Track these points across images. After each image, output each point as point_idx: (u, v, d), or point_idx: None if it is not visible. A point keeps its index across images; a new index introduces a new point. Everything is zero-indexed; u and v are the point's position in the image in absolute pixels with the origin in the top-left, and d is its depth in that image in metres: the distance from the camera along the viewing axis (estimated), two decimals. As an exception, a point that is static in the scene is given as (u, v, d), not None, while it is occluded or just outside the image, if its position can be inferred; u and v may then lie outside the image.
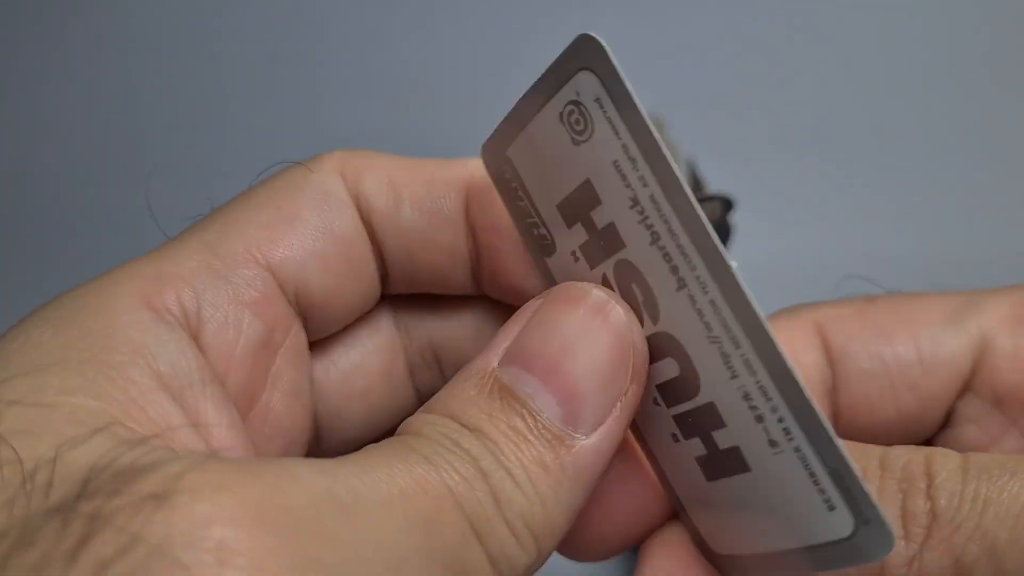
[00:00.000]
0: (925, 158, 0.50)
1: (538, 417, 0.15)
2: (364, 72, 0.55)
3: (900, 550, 0.16)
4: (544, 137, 0.17)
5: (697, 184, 0.44)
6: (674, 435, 0.17)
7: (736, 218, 0.41)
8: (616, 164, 0.16)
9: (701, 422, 0.16)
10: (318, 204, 0.18)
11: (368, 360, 0.20)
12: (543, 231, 0.18)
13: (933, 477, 0.16)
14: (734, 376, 0.15)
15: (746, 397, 0.15)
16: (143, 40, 0.55)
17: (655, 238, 0.16)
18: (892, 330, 0.20)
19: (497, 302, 0.20)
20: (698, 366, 0.16)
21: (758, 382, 0.15)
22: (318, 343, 0.20)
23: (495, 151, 0.19)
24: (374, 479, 0.13)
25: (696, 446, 0.17)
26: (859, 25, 0.56)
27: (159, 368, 0.15)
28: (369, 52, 0.55)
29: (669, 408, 0.17)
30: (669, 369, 0.16)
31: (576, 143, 0.17)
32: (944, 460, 0.16)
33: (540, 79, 0.18)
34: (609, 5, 0.54)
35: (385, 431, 0.21)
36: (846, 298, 0.21)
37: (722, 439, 0.16)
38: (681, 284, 0.16)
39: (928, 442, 0.21)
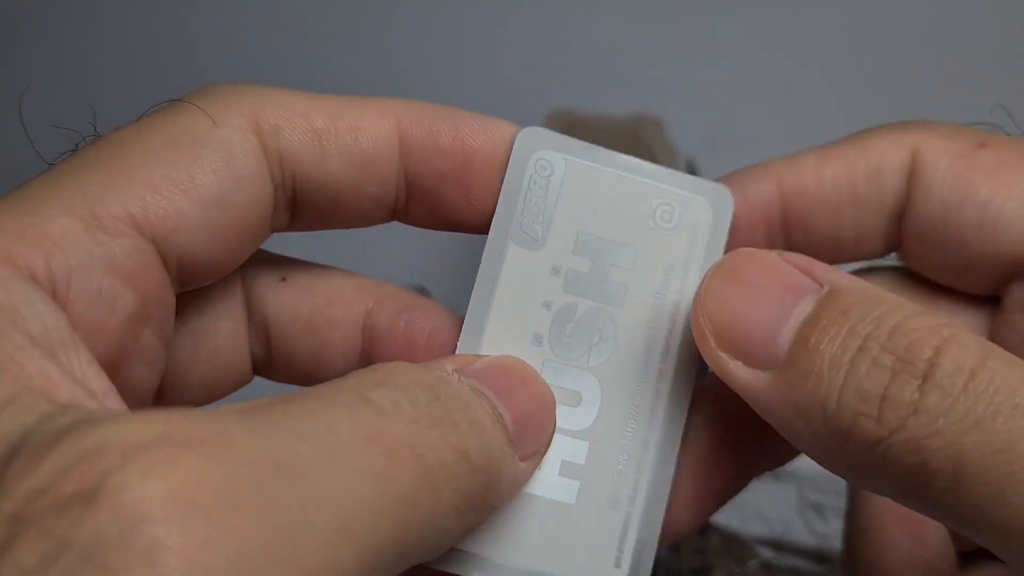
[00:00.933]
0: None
1: (500, 415, 0.16)
2: (365, 71, 0.55)
3: (869, 429, 0.15)
4: (618, 191, 0.20)
5: (697, 184, 0.44)
6: None
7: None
8: (668, 263, 0.19)
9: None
10: (218, 169, 0.17)
11: (221, 324, 0.20)
12: (539, 229, 0.19)
13: (934, 370, 0.15)
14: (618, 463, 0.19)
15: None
16: (144, 39, 0.55)
17: (649, 343, 0.19)
18: (982, 179, 0.19)
19: (336, 303, 0.20)
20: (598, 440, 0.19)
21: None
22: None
23: (539, 144, 0.19)
24: (314, 437, 0.13)
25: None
26: (860, 25, 0.56)
27: (29, 328, 0.14)
28: (369, 51, 0.54)
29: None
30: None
31: (648, 225, 0.19)
32: (958, 354, 0.15)
33: (663, 170, 0.20)
34: (609, 5, 0.54)
35: (223, 392, 0.20)
36: (959, 132, 0.21)
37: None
38: (637, 389, 0.19)
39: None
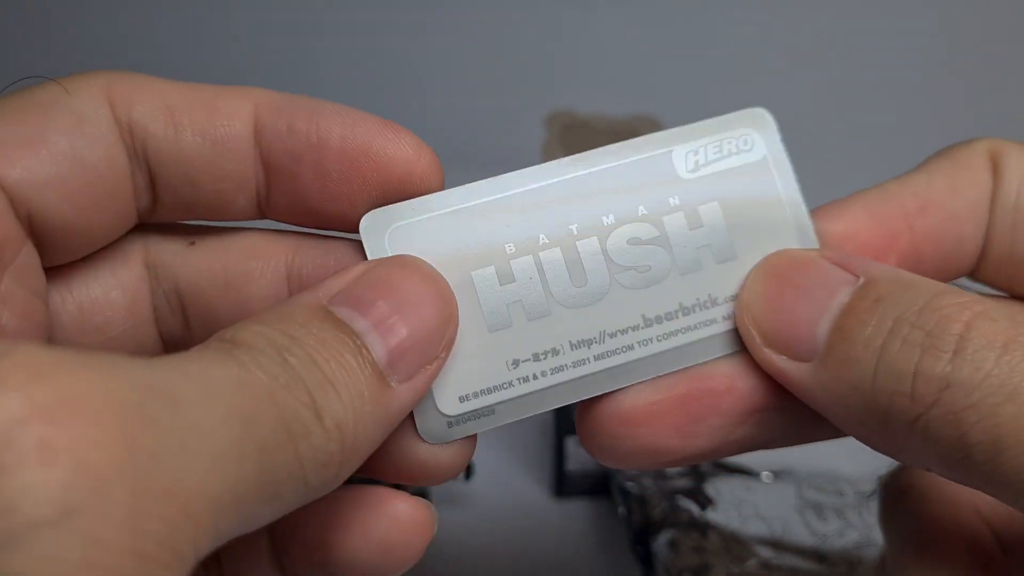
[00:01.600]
0: (925, 158, 0.50)
1: (366, 351, 0.16)
2: (365, 71, 0.55)
3: (905, 406, 0.15)
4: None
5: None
6: None
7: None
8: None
9: None
10: (69, 129, 0.17)
11: (110, 295, 0.19)
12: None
13: (965, 344, 0.15)
14: None
15: None
16: (143, 40, 0.55)
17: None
18: None
19: (251, 257, 0.20)
20: None
21: None
22: (58, 269, 0.19)
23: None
24: (191, 375, 0.13)
25: None
26: (859, 24, 0.56)
27: None
28: (369, 51, 0.54)
29: None
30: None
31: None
32: (989, 328, 0.15)
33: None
34: (609, 5, 0.54)
35: None
36: None
37: None
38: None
39: None
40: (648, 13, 0.54)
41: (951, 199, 0.20)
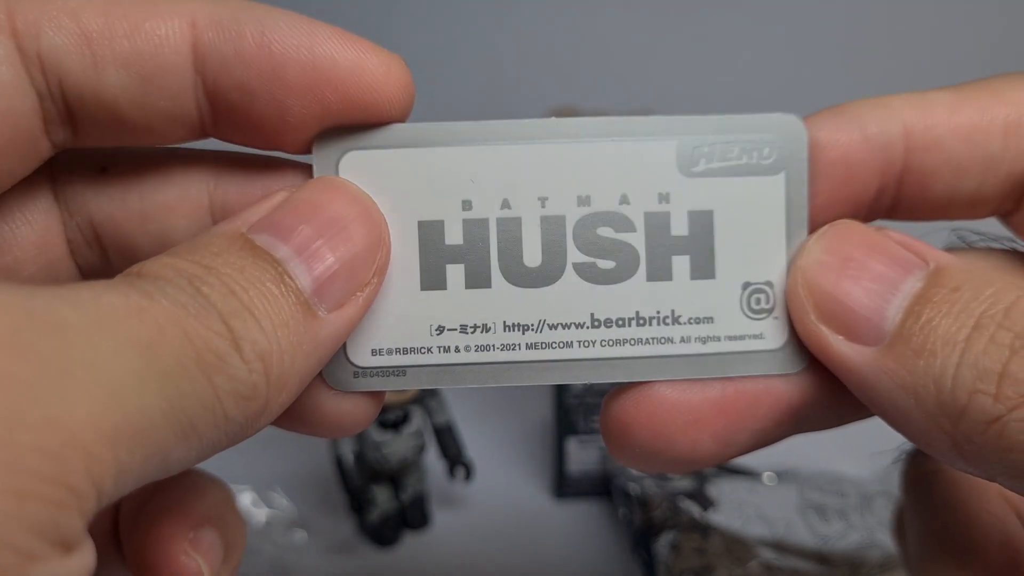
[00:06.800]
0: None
1: (289, 279, 0.15)
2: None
3: (986, 406, 0.15)
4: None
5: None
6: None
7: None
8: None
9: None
10: None
11: (18, 232, 0.17)
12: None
13: None
14: None
15: None
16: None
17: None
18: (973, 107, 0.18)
19: (169, 185, 0.18)
20: None
21: None
22: None
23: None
24: (79, 301, 0.12)
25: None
26: (859, 26, 0.56)
27: None
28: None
29: None
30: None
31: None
32: None
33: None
34: (609, 4, 0.54)
35: None
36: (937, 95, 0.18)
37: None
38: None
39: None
40: (648, 12, 0.54)
41: (965, 149, 0.18)
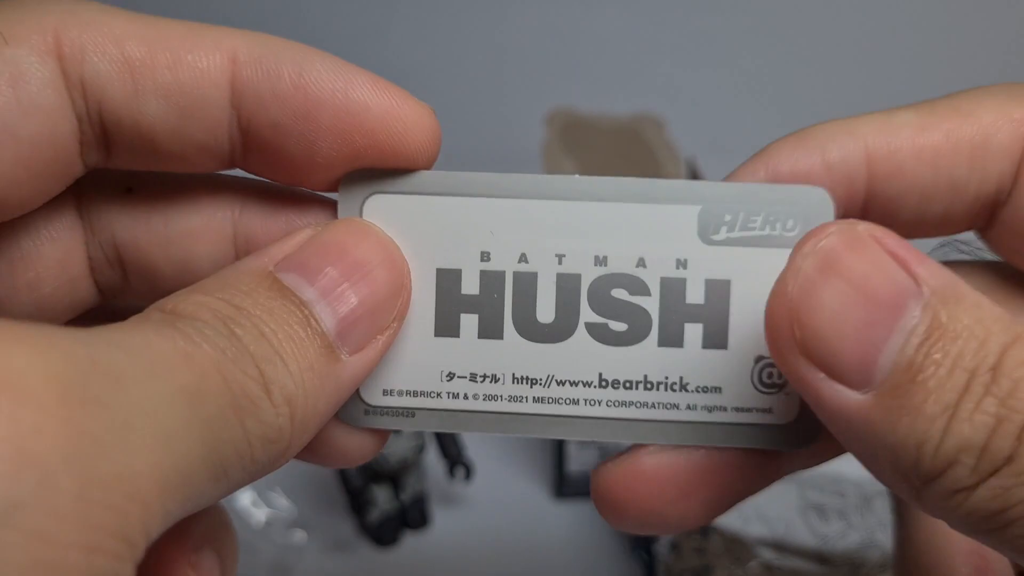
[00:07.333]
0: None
1: (315, 322, 0.15)
2: (365, 68, 0.55)
3: (962, 476, 0.14)
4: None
5: (697, 184, 0.44)
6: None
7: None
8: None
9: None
10: (3, 96, 0.15)
11: (42, 249, 0.17)
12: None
13: None
14: None
15: None
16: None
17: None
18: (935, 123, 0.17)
19: (195, 211, 0.18)
20: None
21: None
22: None
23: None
24: (133, 348, 0.12)
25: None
26: (859, 25, 0.56)
27: None
28: (369, 50, 0.54)
29: None
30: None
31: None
32: None
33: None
34: (609, 5, 0.54)
35: (55, 322, 0.18)
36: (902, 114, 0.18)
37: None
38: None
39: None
40: (650, 12, 0.54)
41: (931, 175, 0.17)
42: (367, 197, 0.17)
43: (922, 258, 0.15)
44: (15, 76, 0.15)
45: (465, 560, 0.39)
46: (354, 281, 0.16)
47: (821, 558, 0.35)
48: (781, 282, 0.15)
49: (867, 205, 0.18)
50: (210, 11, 0.54)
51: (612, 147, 0.45)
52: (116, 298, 0.19)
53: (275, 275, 0.15)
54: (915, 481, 0.15)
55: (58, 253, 0.18)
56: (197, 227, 0.18)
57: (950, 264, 0.19)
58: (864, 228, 0.15)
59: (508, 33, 0.54)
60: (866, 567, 0.35)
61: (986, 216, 0.18)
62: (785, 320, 0.15)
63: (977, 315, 0.15)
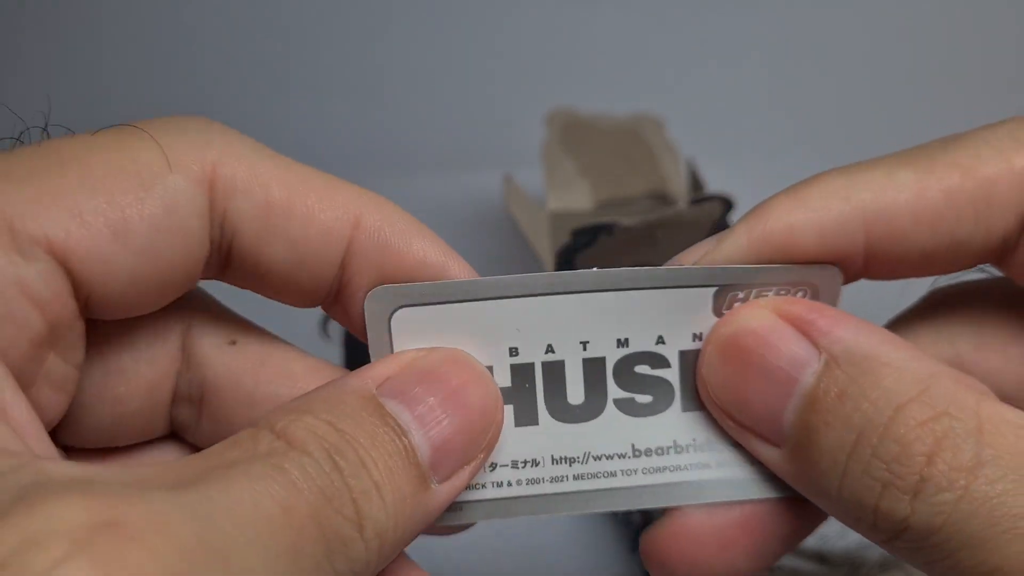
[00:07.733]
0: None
1: (413, 452, 0.16)
2: (365, 71, 0.55)
3: (869, 534, 0.15)
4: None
5: (697, 184, 0.44)
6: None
7: (736, 218, 0.41)
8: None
9: None
10: (158, 221, 0.16)
11: (139, 368, 0.18)
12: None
13: (924, 485, 0.15)
14: None
15: None
16: (140, 40, 0.55)
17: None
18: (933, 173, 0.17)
19: (285, 378, 0.19)
20: None
21: None
22: (95, 327, 0.17)
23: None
24: (240, 518, 0.13)
25: None
26: (859, 25, 0.56)
27: None
28: (369, 51, 0.54)
29: None
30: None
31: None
32: (953, 460, 0.14)
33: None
34: (609, 5, 0.54)
35: (124, 440, 0.19)
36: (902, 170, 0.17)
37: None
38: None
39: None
40: (650, 12, 0.54)
41: (931, 239, 0.17)
42: (393, 312, 0.18)
43: (833, 323, 0.17)
44: (171, 205, 0.16)
45: (465, 560, 0.39)
46: (452, 412, 0.17)
47: (820, 557, 0.35)
48: (699, 369, 0.18)
49: (867, 262, 0.18)
50: (210, 11, 0.54)
51: (612, 147, 0.45)
52: (180, 432, 0.19)
53: (378, 399, 0.16)
54: (850, 523, 0.16)
55: (153, 376, 0.18)
56: (284, 396, 0.18)
57: (962, 284, 0.19)
58: (767, 303, 0.17)
59: (508, 33, 0.54)
60: (866, 567, 0.35)
61: (995, 259, 0.18)
62: (706, 394, 0.18)
63: (879, 375, 0.16)
